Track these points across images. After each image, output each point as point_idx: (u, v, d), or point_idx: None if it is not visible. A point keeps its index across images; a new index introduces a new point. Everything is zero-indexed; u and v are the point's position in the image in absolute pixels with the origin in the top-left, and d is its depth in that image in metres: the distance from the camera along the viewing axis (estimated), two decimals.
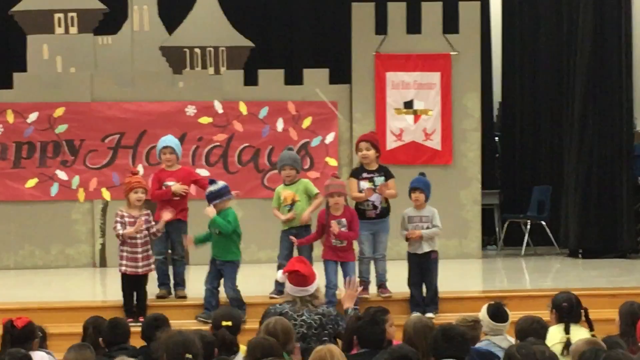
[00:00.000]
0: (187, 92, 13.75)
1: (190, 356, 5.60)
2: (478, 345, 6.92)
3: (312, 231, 10.35)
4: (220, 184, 10.01)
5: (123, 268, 9.83)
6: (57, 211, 13.49)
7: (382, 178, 10.30)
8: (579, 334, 7.03)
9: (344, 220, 9.79)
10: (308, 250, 10.23)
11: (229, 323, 7.08)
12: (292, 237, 10.13)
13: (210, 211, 9.85)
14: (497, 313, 7.17)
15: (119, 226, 9.85)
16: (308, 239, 10.15)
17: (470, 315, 7.16)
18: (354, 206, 10.23)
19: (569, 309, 7.31)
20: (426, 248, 10.00)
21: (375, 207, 10.25)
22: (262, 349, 6.06)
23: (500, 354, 6.35)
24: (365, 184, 10.27)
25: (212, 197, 9.90)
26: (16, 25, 14.26)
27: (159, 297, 10.27)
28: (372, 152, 10.34)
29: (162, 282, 10.42)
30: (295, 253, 10.24)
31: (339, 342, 7.38)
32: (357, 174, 10.41)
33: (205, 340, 6.44)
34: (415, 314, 7.39)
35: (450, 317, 8.40)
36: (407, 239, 10.03)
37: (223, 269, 9.91)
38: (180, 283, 10.52)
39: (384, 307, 7.48)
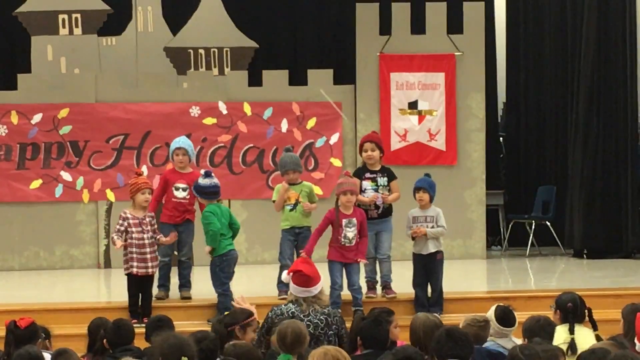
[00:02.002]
0: (191, 93, 13.75)
1: (186, 359, 5.55)
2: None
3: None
4: (209, 183, 9.85)
5: (135, 269, 9.74)
6: (62, 212, 13.48)
7: (385, 179, 10.29)
8: (583, 334, 7.02)
9: (354, 219, 9.75)
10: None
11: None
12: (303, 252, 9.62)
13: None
14: (505, 317, 7.15)
15: (115, 236, 9.80)
16: (311, 243, 9.73)
17: (481, 316, 7.12)
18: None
19: (573, 309, 7.29)
20: (432, 248, 9.97)
21: (377, 207, 10.23)
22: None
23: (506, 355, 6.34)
24: (368, 184, 10.26)
25: (196, 190, 9.90)
26: (20, 26, 14.26)
27: (157, 298, 10.19)
28: (377, 153, 10.35)
29: (162, 283, 10.36)
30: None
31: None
32: (359, 174, 10.38)
33: (211, 339, 6.44)
34: (422, 313, 7.32)
35: (455, 318, 8.36)
36: (412, 238, 10.00)
37: None
38: (185, 284, 10.47)
39: (389, 308, 7.48)
